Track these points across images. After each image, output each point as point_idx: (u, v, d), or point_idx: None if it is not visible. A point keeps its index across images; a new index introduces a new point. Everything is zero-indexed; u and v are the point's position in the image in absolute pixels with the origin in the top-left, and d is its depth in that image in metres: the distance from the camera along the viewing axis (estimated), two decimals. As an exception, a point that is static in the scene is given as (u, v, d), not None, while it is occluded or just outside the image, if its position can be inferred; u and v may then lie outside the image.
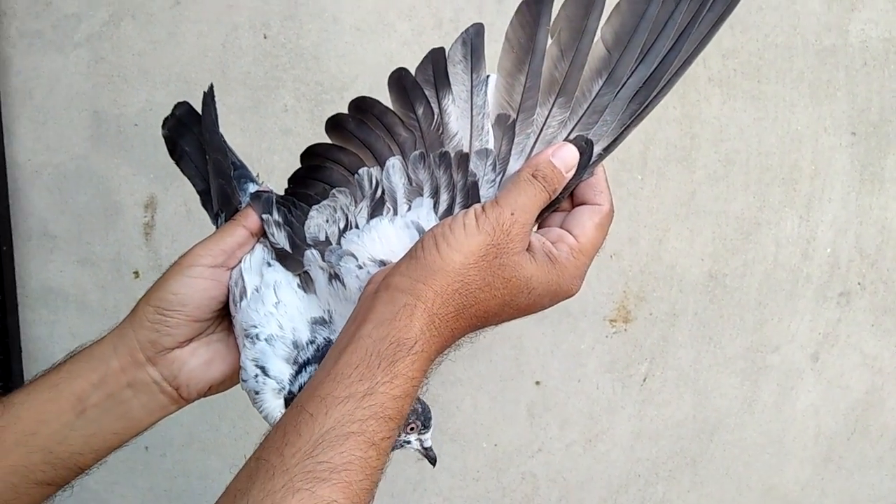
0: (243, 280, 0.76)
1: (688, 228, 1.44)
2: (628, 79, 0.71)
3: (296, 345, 0.75)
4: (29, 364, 1.53)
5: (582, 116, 0.71)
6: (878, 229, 1.43)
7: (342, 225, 0.73)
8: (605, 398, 1.51)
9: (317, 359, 0.74)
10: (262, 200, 0.77)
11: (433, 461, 0.80)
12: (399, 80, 0.73)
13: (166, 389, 0.78)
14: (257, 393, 0.75)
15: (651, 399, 1.50)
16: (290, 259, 0.75)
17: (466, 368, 1.49)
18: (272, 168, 1.44)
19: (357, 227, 0.73)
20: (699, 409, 1.50)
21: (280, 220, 0.75)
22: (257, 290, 0.76)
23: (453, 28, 1.39)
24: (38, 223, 1.48)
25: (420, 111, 0.72)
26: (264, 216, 0.76)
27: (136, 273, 1.49)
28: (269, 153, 1.44)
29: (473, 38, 0.73)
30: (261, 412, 0.75)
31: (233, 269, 0.77)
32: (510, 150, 0.72)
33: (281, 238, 0.75)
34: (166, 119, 0.89)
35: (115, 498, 1.58)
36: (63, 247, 1.49)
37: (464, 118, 0.73)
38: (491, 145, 0.72)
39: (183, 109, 0.89)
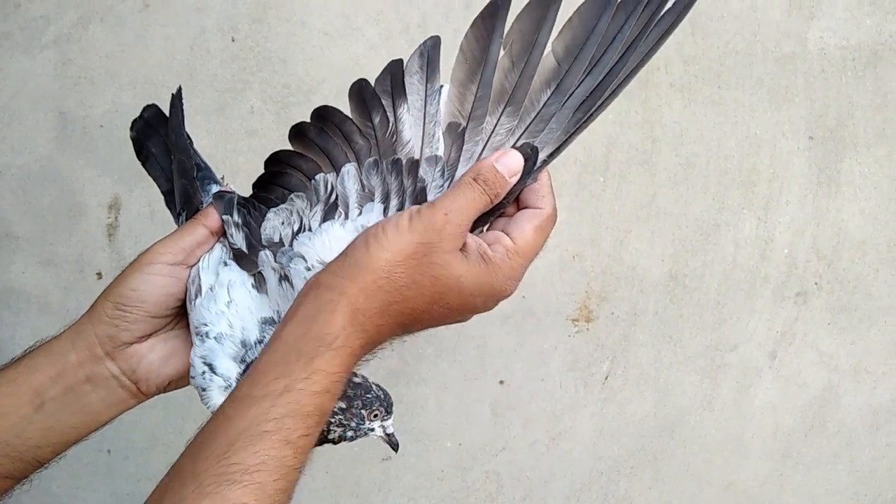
0: (199, 279, 0.78)
1: (649, 230, 1.48)
2: (575, 89, 0.74)
3: (244, 344, 0.76)
4: (-8, 365, 1.52)
5: (529, 124, 0.74)
6: (834, 231, 1.47)
7: (296, 227, 0.76)
8: (568, 397, 1.54)
9: None
10: (224, 201, 0.79)
11: (395, 447, 0.81)
12: (359, 90, 0.76)
13: (125, 384, 0.79)
14: (204, 390, 0.76)
15: (613, 397, 1.54)
16: (245, 259, 0.77)
17: (430, 368, 1.51)
18: (237, 169, 1.45)
19: (310, 230, 0.75)
20: (660, 406, 1.54)
21: (239, 220, 0.77)
22: (211, 289, 0.78)
23: (420, 33, 1.41)
24: (0, 224, 1.48)
25: (376, 120, 0.75)
26: (224, 217, 0.77)
27: (99, 274, 1.50)
28: (234, 154, 1.45)
29: (430, 51, 0.76)
30: (208, 409, 0.76)
31: (191, 267, 0.79)
32: (459, 156, 0.75)
33: (239, 238, 0.77)
34: (135, 121, 0.90)
35: (76, 502, 1.58)
36: (26, 248, 1.49)
37: (417, 126, 0.75)
38: (441, 152, 0.75)
39: (151, 112, 0.91)
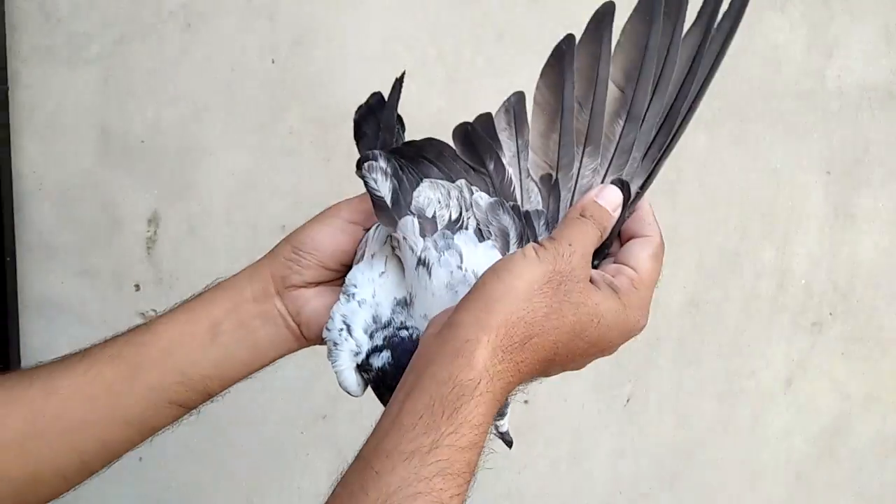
0: (366, 244, 0.79)
1: (671, 258, 1.53)
2: (646, 112, 0.74)
3: (375, 319, 0.76)
4: (26, 374, 1.56)
5: (612, 159, 0.74)
6: (849, 263, 1.54)
7: (454, 215, 0.73)
8: (590, 418, 1.58)
9: (386, 348, 0.75)
10: (376, 145, 0.77)
11: (509, 444, 0.81)
12: (466, 133, 0.75)
13: (290, 324, 0.81)
14: (336, 345, 0.76)
15: (633, 419, 1.59)
16: (385, 212, 0.73)
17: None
18: (275, 189, 1.50)
19: (467, 228, 0.73)
20: (679, 429, 1.59)
21: (388, 169, 0.73)
22: (372, 257, 0.79)
23: (454, 59, 1.47)
24: (40, 235, 1.52)
25: (491, 166, 0.74)
26: (370, 160, 0.73)
27: (137, 286, 1.54)
28: (272, 173, 1.50)
29: (516, 106, 0.77)
30: (334, 366, 0.77)
31: (368, 229, 0.80)
32: (558, 207, 0.75)
33: (384, 187, 0.73)
34: (360, 106, 0.88)
35: (104, 508, 1.62)
36: (64, 258, 1.53)
37: (515, 180, 0.75)
38: (541, 206, 0.75)
39: (375, 98, 0.89)
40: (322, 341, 0.81)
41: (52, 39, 1.45)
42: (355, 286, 0.78)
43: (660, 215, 1.49)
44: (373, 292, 0.77)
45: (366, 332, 0.76)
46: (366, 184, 0.74)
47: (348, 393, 0.78)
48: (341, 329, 0.77)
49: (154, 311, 1.54)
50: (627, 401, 1.58)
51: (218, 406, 1.50)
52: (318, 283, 0.82)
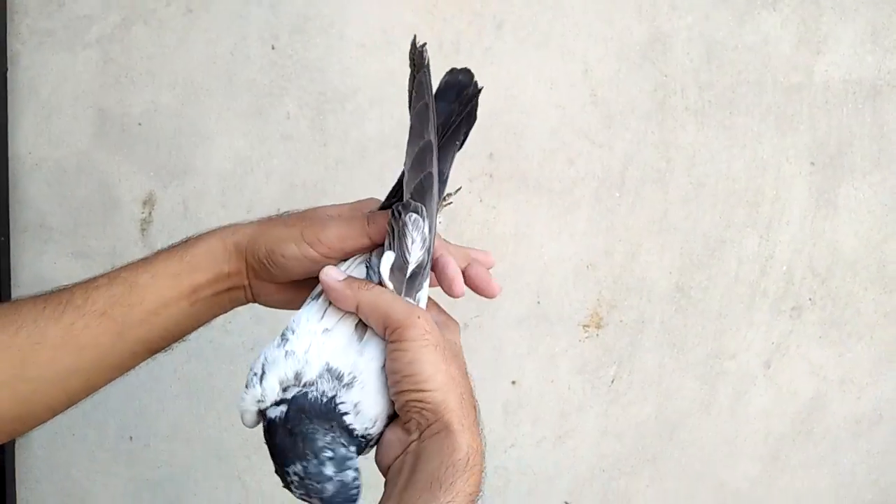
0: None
1: (659, 244, 1.58)
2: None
3: (297, 376, 0.73)
4: (21, 353, 1.57)
5: None
6: (829, 251, 1.59)
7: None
8: (576, 398, 1.63)
9: (285, 402, 0.73)
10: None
11: None
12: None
13: (249, 297, 0.91)
14: (246, 386, 0.75)
15: (617, 400, 1.64)
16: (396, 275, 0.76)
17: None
18: (271, 171, 1.52)
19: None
20: (661, 409, 1.64)
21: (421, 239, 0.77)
22: (327, 304, 0.77)
23: (453, 50, 1.49)
24: (35, 215, 1.52)
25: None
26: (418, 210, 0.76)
27: (132, 267, 1.56)
28: (269, 157, 1.52)
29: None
30: (240, 402, 0.76)
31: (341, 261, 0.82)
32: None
33: (416, 252, 0.77)
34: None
35: (97, 487, 1.63)
36: (59, 239, 1.54)
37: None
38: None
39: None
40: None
41: (53, 22, 1.45)
42: (293, 332, 0.76)
43: (649, 202, 1.55)
44: (306, 348, 0.74)
45: (280, 384, 0.74)
46: (403, 231, 0.76)
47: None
48: (256, 373, 0.75)
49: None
50: (612, 382, 1.63)
51: (209, 385, 1.52)
52: (285, 283, 0.89)
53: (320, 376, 0.73)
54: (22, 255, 1.54)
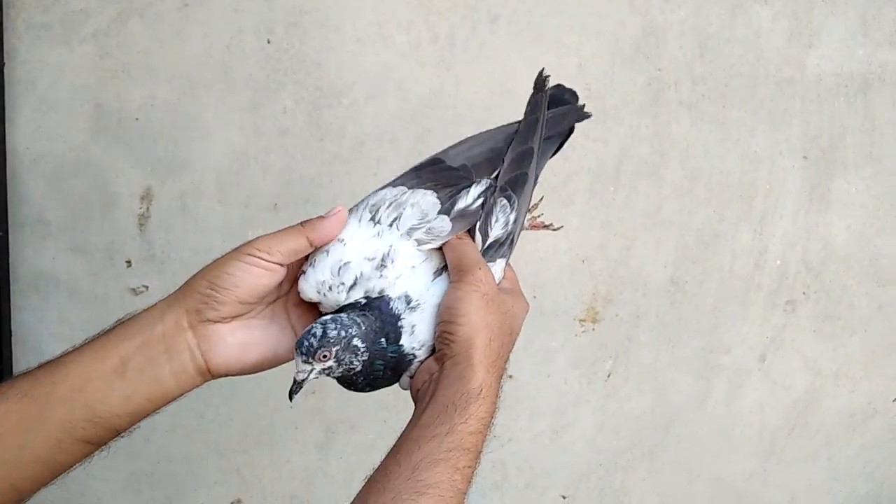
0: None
1: (654, 238, 1.58)
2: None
3: (381, 292, 0.86)
4: (18, 348, 1.56)
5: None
6: (822, 244, 1.59)
7: None
8: (572, 392, 1.63)
9: (370, 304, 0.85)
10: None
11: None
12: None
13: (197, 360, 0.84)
14: (329, 289, 0.87)
15: (614, 394, 1.63)
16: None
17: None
18: (269, 166, 1.51)
19: None
20: (657, 403, 1.64)
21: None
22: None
23: (448, 43, 1.49)
24: (33, 210, 1.52)
25: None
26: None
27: (129, 262, 1.55)
28: (266, 152, 1.52)
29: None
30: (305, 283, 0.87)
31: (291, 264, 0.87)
32: None
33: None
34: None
35: (96, 482, 1.62)
36: (57, 234, 1.53)
37: None
38: None
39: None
40: (230, 375, 0.88)
41: (49, 16, 1.45)
42: (392, 262, 0.86)
43: (644, 196, 1.55)
44: (398, 275, 0.86)
45: (364, 293, 0.86)
46: (491, 209, 0.89)
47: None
48: (344, 283, 0.86)
49: (145, 286, 1.55)
50: (608, 376, 1.62)
51: (208, 381, 1.51)
52: (234, 318, 0.85)
53: (398, 298, 0.85)
54: (21, 251, 1.54)
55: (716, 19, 1.49)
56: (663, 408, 1.63)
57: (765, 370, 1.63)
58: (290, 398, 0.84)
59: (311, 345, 0.82)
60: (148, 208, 1.53)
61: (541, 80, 0.98)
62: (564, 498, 1.66)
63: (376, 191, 0.90)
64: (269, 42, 1.48)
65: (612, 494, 1.67)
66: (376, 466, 0.78)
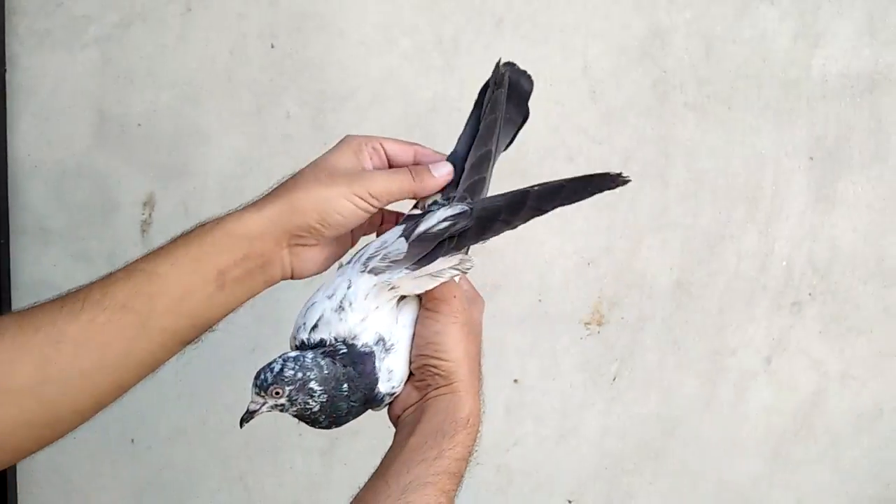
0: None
1: (659, 240, 1.54)
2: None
3: (353, 337, 0.84)
4: (20, 355, 1.53)
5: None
6: (828, 246, 1.55)
7: None
8: (578, 396, 1.59)
9: (349, 353, 0.83)
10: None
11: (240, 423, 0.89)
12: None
13: (286, 271, 0.88)
14: (295, 331, 0.86)
15: (619, 397, 1.60)
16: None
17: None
18: (272, 171, 1.47)
19: None
20: (663, 407, 1.60)
21: None
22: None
23: (452, 46, 1.45)
24: (34, 217, 1.48)
25: None
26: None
27: (132, 269, 1.51)
28: (269, 157, 1.48)
29: None
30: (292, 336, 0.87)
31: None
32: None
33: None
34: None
35: (97, 490, 1.58)
36: (59, 241, 1.49)
37: None
38: None
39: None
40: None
41: (51, 22, 1.42)
42: (350, 305, 0.84)
43: (649, 198, 1.51)
44: (363, 318, 0.84)
45: (334, 338, 0.84)
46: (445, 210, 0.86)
47: None
48: (305, 325, 0.85)
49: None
50: (614, 379, 1.59)
51: (211, 387, 1.48)
52: (328, 240, 0.89)
53: (374, 343, 0.84)
54: (22, 258, 1.50)
55: (721, 20, 1.46)
56: (669, 410, 1.60)
57: (771, 372, 1.59)
58: (241, 426, 0.85)
59: (265, 379, 0.81)
60: (150, 214, 1.49)
61: (499, 75, 0.95)
62: (570, 502, 1.62)
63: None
64: (272, 47, 1.45)
65: (618, 498, 1.63)
66: (362, 486, 0.80)
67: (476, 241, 0.84)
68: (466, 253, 0.85)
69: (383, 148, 0.89)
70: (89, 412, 0.83)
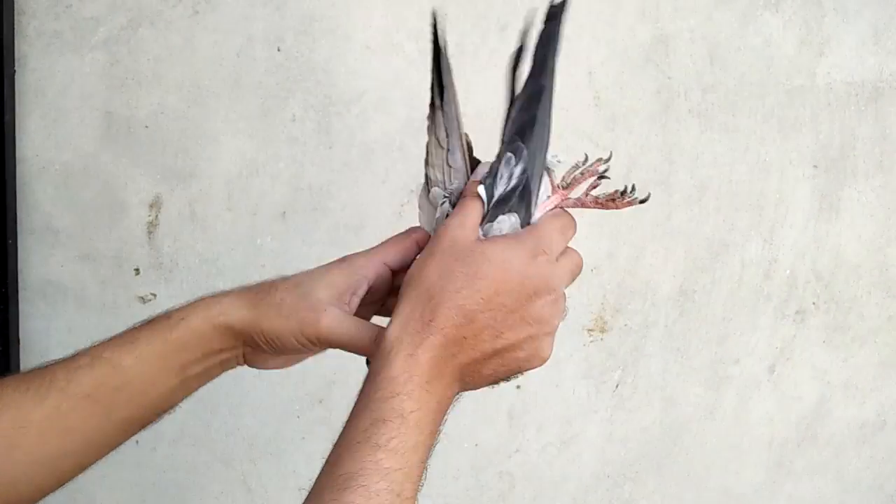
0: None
1: (663, 247, 1.53)
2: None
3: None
4: (25, 355, 1.52)
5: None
6: (832, 254, 1.54)
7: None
8: (580, 403, 1.58)
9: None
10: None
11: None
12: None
13: (242, 363, 0.88)
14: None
15: (622, 405, 1.58)
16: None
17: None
18: (277, 175, 1.47)
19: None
20: (665, 414, 1.59)
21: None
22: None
23: (457, 51, 1.45)
24: (42, 218, 1.48)
25: None
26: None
27: (137, 270, 1.50)
28: (275, 160, 1.47)
29: None
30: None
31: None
32: None
33: (502, 185, 0.84)
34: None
35: (101, 491, 1.57)
36: (65, 242, 1.49)
37: None
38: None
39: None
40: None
41: (60, 23, 1.41)
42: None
43: (653, 205, 1.50)
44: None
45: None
46: (497, 175, 0.82)
47: None
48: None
49: (153, 294, 1.51)
50: (616, 386, 1.57)
51: (215, 389, 1.47)
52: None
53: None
54: (29, 258, 1.49)
55: (726, 27, 1.45)
56: (672, 419, 1.58)
57: (774, 381, 1.58)
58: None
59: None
60: (157, 216, 1.49)
61: (557, 7, 0.85)
62: (572, 509, 1.61)
63: None
64: (278, 50, 1.44)
65: (621, 506, 1.61)
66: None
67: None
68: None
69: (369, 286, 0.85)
70: (50, 490, 0.84)
